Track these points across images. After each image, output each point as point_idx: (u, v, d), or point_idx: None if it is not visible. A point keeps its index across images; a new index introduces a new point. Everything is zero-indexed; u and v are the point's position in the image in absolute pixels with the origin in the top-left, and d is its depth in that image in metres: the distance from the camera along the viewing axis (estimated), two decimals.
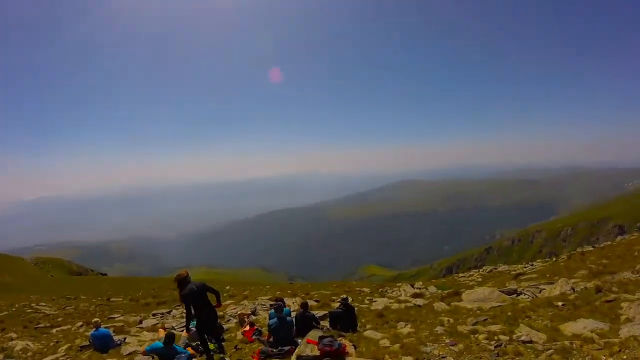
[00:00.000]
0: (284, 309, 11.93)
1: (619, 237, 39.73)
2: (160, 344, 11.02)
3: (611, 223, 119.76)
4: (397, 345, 10.15)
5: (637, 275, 15.02)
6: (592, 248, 33.84)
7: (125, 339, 14.60)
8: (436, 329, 11.47)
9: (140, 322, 20.41)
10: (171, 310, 23.74)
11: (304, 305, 12.58)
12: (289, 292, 30.56)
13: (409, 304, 18.52)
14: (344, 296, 14.16)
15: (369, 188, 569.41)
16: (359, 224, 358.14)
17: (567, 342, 8.88)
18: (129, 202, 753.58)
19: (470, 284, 27.51)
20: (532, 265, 33.89)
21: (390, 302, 19.71)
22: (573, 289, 15.00)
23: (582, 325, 9.98)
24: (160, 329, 15.50)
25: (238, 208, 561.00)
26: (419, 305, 17.74)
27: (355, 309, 14.65)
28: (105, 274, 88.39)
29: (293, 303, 20.75)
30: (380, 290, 27.99)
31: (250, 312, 18.63)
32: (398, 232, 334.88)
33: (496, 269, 37.82)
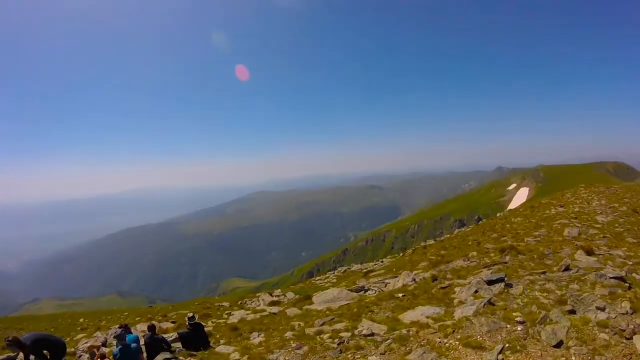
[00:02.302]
0: (129, 335, 10.89)
1: (457, 230, 43.65)
2: None
3: (452, 218, 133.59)
4: (245, 357, 9.86)
5: (469, 262, 16.43)
6: (433, 241, 36.56)
7: None
8: (286, 335, 11.39)
9: None
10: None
11: (151, 328, 11.64)
12: (148, 316, 28.54)
13: (264, 313, 18.25)
14: (191, 314, 13.42)
15: (224, 201, 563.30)
16: (217, 238, 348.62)
17: (404, 331, 9.30)
18: None
19: (326, 285, 28.07)
20: (382, 262, 35.63)
21: (247, 314, 19.26)
22: (414, 279, 15.91)
23: (420, 313, 10.53)
24: None
25: (86, 229, 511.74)
26: (274, 313, 17.55)
27: (206, 324, 13.97)
28: None
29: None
30: (240, 302, 27.38)
31: (100, 344, 16.85)
32: (256, 243, 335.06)
33: (350, 268, 39.18)
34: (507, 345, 7.94)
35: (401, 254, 38.03)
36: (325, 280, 33.62)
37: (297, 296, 23.09)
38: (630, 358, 7.46)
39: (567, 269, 12.79)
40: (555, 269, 13.05)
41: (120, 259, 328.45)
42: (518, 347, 7.83)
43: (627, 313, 9.03)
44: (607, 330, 8.41)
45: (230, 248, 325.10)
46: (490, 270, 12.88)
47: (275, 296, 26.03)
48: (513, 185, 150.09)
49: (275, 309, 18.76)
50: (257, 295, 29.61)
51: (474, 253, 18.18)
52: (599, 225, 21.88)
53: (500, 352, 7.65)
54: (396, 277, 18.72)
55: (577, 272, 12.46)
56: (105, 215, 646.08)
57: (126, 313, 37.45)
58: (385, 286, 17.95)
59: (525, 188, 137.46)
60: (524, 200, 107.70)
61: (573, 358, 7.50)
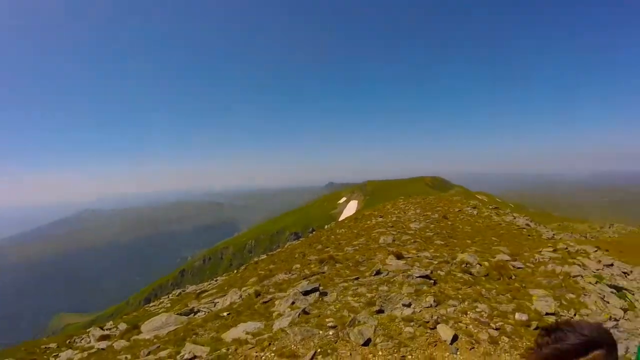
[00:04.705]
0: None
1: (288, 243, 44.78)
2: None
3: (287, 232, 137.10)
4: None
5: (290, 274, 17.00)
6: (265, 256, 37.03)
7: None
8: None
9: None
10: None
11: None
12: None
13: (92, 351, 16.72)
14: None
15: (48, 221, 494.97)
16: (41, 267, 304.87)
17: (224, 349, 9.27)
18: None
19: (160, 311, 26.68)
20: (216, 280, 34.99)
21: (75, 354, 17.42)
22: (241, 296, 15.95)
23: (242, 329, 10.58)
24: None
25: None
26: (102, 349, 16.18)
27: None
28: None
29: None
30: (69, 341, 24.59)
31: None
32: (87, 270, 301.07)
33: (185, 290, 37.85)
34: (319, 350, 8.38)
35: (235, 271, 37.87)
36: (160, 306, 31.93)
37: (128, 327, 21.65)
38: (436, 345, 8.44)
39: (378, 273, 13.97)
40: (367, 274, 14.18)
41: None
42: (329, 351, 8.33)
43: (431, 306, 10.27)
44: (412, 323, 9.41)
45: (57, 278, 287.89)
46: (308, 281, 13.47)
47: (107, 329, 23.94)
48: (343, 199, 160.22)
49: (104, 344, 17.29)
50: (88, 330, 27.01)
51: (298, 265, 18.88)
52: (411, 232, 24.17)
53: (312, 358, 8.05)
54: (225, 295, 18.61)
55: (387, 275, 13.71)
56: None
57: None
58: (215, 306, 17.71)
59: (354, 201, 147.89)
60: (353, 212, 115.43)
61: (380, 353, 8.23)
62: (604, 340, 1.54)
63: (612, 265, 16.93)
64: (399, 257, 16.30)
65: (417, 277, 12.81)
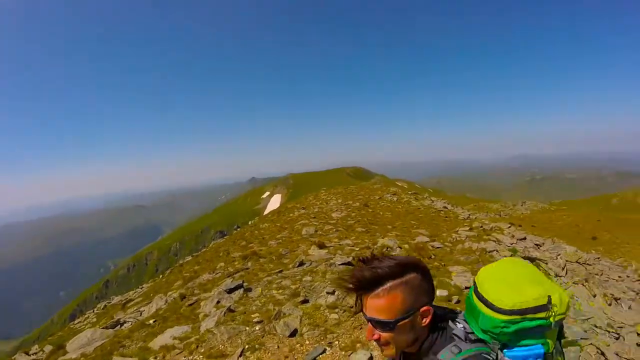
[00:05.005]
0: None
1: (213, 242, 44.21)
2: None
3: (212, 230, 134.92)
4: None
5: (214, 274, 16.95)
6: (190, 257, 36.42)
7: None
8: None
9: None
10: None
11: None
12: None
13: None
14: None
15: None
16: None
17: (152, 358, 9.19)
18: None
19: (85, 327, 25.54)
20: (141, 288, 34.02)
21: None
22: (167, 301, 15.70)
23: (169, 335, 10.45)
24: None
25: None
26: None
27: None
28: None
29: None
30: None
31: None
32: (5, 292, 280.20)
33: (110, 302, 36.48)
34: (246, 346, 8.50)
35: (160, 276, 36.95)
36: (85, 322, 30.43)
37: (53, 348, 20.58)
38: (361, 328, 8.79)
39: (301, 264, 14.28)
40: (291, 266, 14.45)
41: None
42: (257, 346, 8.47)
43: None
44: (337, 310, 9.70)
45: None
46: (232, 279, 13.53)
47: (33, 354, 22.59)
48: (267, 194, 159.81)
49: None
50: (13, 358, 25.31)
51: (222, 264, 18.81)
52: (333, 221, 24.65)
53: (240, 355, 8.16)
54: (151, 302, 18.22)
55: (310, 265, 14.04)
56: None
57: None
58: (141, 314, 17.28)
59: (277, 195, 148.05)
60: (277, 206, 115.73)
61: (307, 342, 8.47)
62: (417, 266, 1.70)
63: (525, 238, 18.37)
64: (322, 246, 16.73)
65: (339, 264, 13.24)
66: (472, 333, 1.75)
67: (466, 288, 10.61)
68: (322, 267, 13.32)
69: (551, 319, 1.68)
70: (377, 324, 1.68)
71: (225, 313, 10.26)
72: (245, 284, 12.43)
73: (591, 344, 8.34)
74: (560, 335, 1.85)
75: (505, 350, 1.69)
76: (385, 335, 1.68)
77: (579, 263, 15.39)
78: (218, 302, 11.56)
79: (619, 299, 11.85)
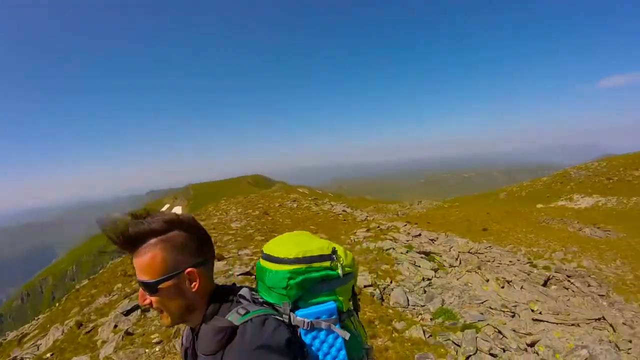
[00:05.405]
0: None
1: (110, 262, 42.16)
2: None
3: (110, 249, 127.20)
4: None
5: (111, 296, 16.41)
6: (87, 281, 34.66)
7: None
8: None
9: None
10: None
11: None
12: None
13: None
14: None
15: None
16: None
17: None
18: None
19: None
20: (37, 319, 31.86)
21: None
22: (63, 331, 15.04)
23: None
24: None
25: None
26: None
27: None
28: None
29: None
30: None
31: None
32: None
33: (6, 339, 33.66)
34: None
35: (57, 305, 34.77)
36: None
37: None
38: None
39: None
40: None
41: None
42: None
43: None
44: None
45: None
46: (129, 299, 13.30)
47: None
48: (167, 206, 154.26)
49: None
50: None
51: (119, 284, 18.24)
52: (232, 232, 24.57)
53: None
54: (47, 334, 17.32)
55: None
56: None
57: None
58: (38, 349, 16.37)
59: (178, 207, 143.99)
60: None
61: None
62: (185, 224, 1.62)
63: (420, 235, 19.70)
64: (220, 258, 16.84)
65: (238, 275, 13.47)
66: (260, 297, 1.73)
67: (366, 286, 11.23)
68: (222, 280, 13.46)
69: (338, 271, 1.72)
70: (142, 285, 1.58)
71: (123, 337, 10.09)
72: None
73: (488, 324, 9.33)
74: (355, 300, 1.90)
75: (297, 311, 1.65)
76: (153, 299, 1.56)
77: (471, 253, 16.98)
78: (115, 326, 11.34)
79: (511, 281, 13.31)
